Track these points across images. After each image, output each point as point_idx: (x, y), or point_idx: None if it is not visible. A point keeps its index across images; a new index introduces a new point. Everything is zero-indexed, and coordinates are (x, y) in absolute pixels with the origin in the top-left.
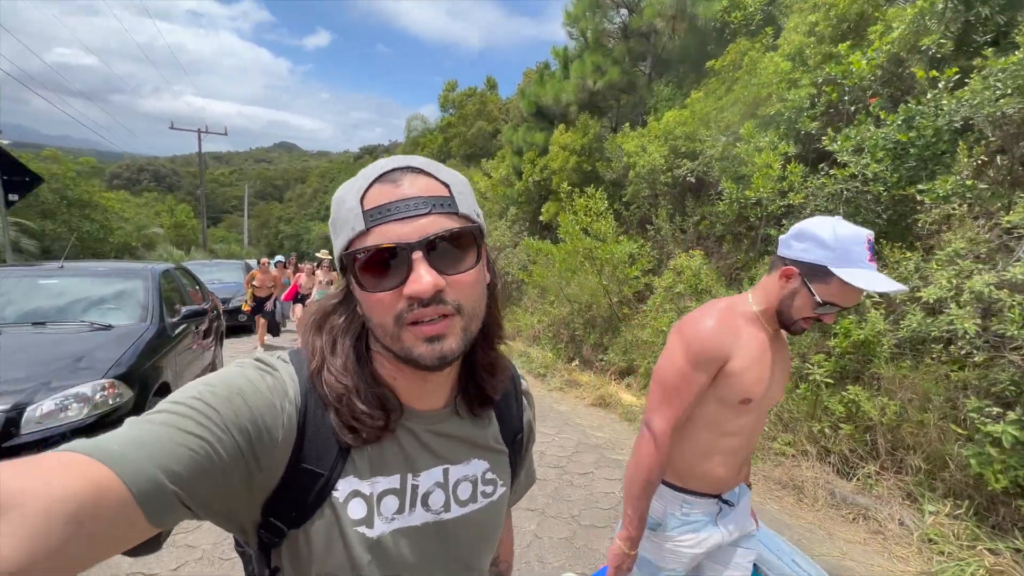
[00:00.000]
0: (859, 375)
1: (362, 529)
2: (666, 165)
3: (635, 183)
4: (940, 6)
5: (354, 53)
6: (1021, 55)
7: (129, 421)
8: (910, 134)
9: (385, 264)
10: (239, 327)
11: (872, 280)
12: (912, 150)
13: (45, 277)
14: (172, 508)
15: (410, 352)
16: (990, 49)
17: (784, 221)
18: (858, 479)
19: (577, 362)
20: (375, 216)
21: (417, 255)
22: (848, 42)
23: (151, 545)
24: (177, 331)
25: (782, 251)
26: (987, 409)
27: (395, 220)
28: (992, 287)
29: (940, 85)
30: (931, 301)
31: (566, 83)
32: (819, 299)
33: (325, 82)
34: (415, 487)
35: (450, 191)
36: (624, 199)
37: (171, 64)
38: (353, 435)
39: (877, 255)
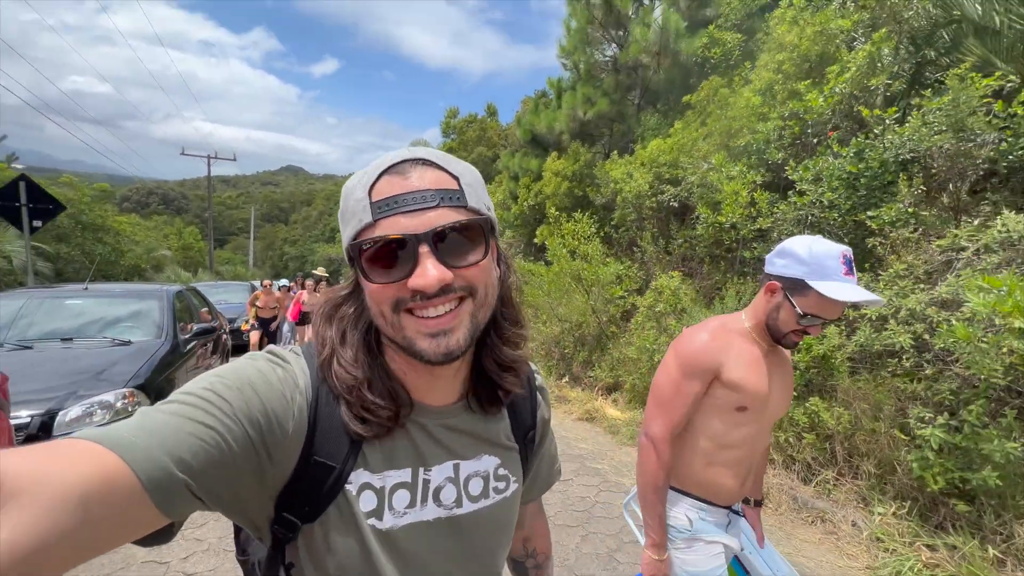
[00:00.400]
0: (823, 387)
1: (372, 521)
2: (651, 191)
3: (622, 207)
4: (886, 51)
5: (361, 79)
6: (951, 97)
7: (141, 411)
8: (860, 166)
9: (391, 256)
10: (244, 346)
11: (845, 291)
12: (862, 180)
13: (71, 298)
14: (181, 497)
15: (412, 344)
16: (928, 90)
17: (756, 244)
18: (816, 484)
19: (567, 378)
20: (383, 208)
21: (424, 248)
22: (808, 81)
23: (163, 535)
24: (188, 347)
25: (767, 268)
26: (922, 415)
27: (403, 212)
28: (923, 304)
29: (886, 122)
30: (874, 318)
31: (559, 113)
32: (800, 311)
33: (332, 107)
34: (426, 481)
35: (459, 184)
36: (613, 223)
37: (182, 91)
38: (364, 425)
39: (856, 270)
